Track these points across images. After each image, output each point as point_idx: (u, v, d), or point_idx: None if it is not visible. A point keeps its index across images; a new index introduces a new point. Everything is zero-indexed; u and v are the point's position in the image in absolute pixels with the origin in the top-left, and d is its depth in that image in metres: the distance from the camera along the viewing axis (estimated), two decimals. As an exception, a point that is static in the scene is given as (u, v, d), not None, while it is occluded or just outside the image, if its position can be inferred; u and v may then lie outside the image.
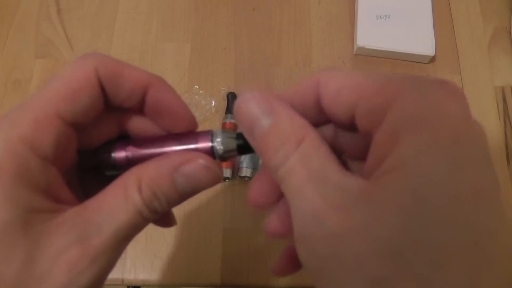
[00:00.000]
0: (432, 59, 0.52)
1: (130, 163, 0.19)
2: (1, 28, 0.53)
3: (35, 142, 0.15)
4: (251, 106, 0.17)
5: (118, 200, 0.17)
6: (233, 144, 0.20)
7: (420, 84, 0.15)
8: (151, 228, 0.46)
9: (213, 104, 0.49)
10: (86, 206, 0.17)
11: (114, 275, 0.42)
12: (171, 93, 0.19)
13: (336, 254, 0.14)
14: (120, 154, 0.20)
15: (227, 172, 0.44)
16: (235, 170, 0.45)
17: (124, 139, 0.21)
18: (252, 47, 0.52)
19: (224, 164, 0.44)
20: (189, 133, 0.20)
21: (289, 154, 0.16)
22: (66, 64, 0.17)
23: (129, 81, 0.18)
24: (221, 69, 0.51)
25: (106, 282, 0.44)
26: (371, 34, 0.51)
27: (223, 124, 0.47)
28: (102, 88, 0.18)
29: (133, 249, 0.43)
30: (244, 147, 0.20)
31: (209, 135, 0.20)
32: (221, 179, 0.19)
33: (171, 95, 0.19)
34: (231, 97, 0.48)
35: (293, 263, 0.21)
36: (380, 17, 0.52)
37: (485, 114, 0.50)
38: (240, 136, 0.20)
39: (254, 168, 0.44)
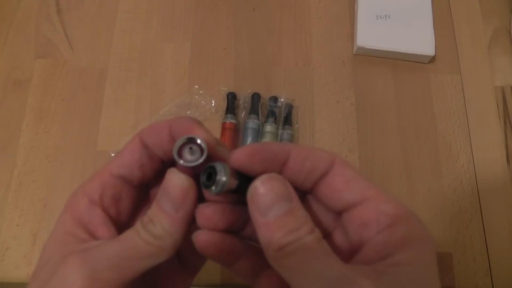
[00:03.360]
0: (432, 59, 0.52)
1: None
2: (1, 28, 0.53)
3: (87, 188, 0.22)
4: (272, 187, 0.19)
5: (128, 235, 0.20)
6: (233, 184, 0.19)
7: (411, 210, 0.20)
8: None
9: (213, 104, 0.49)
10: (108, 245, 0.20)
11: (114, 275, 0.42)
12: (185, 119, 0.21)
13: None
14: None
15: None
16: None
17: None
18: (252, 47, 0.52)
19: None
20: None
21: (304, 236, 0.19)
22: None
23: (156, 127, 0.22)
24: (221, 69, 0.51)
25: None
26: (371, 34, 0.51)
27: (223, 124, 0.47)
28: (149, 149, 0.22)
29: (133, 249, 0.43)
30: (239, 189, 0.20)
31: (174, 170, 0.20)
32: (183, 182, 0.20)
33: (185, 120, 0.21)
34: (231, 97, 0.48)
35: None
36: (380, 17, 0.52)
37: (485, 114, 0.50)
38: (241, 176, 0.20)
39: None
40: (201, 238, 0.21)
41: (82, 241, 0.20)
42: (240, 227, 0.23)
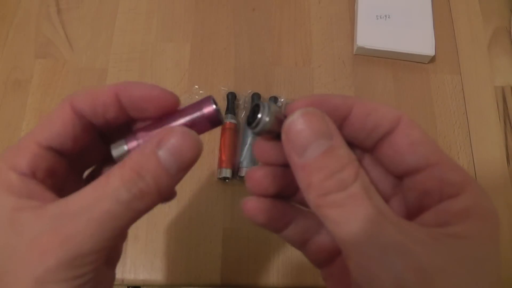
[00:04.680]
0: (432, 59, 0.52)
1: None
2: (1, 28, 0.53)
3: (13, 163, 0.19)
4: (309, 123, 0.17)
5: (97, 190, 0.17)
6: (277, 127, 0.19)
7: (476, 181, 0.19)
8: (151, 228, 0.46)
9: (213, 104, 0.49)
10: (69, 198, 0.18)
11: (114, 275, 0.42)
12: (139, 85, 0.20)
13: (425, 284, 0.16)
14: (132, 144, 0.20)
15: (227, 172, 0.44)
16: (235, 170, 0.45)
17: (135, 129, 0.21)
18: (252, 47, 0.52)
19: (224, 164, 0.44)
20: (193, 104, 0.20)
21: (349, 181, 0.17)
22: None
23: (99, 96, 0.20)
24: (221, 69, 0.51)
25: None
26: (371, 34, 0.51)
27: (223, 124, 0.47)
28: (84, 119, 0.20)
29: (133, 249, 0.43)
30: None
31: (210, 99, 0.20)
32: (201, 146, 0.19)
33: (139, 87, 0.20)
34: (231, 97, 0.48)
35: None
36: (380, 17, 0.52)
37: (485, 114, 0.50)
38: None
39: (254, 168, 0.44)
40: (250, 205, 0.20)
41: (37, 209, 0.18)
42: (292, 192, 0.21)
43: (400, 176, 0.20)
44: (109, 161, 0.23)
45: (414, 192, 0.19)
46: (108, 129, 0.21)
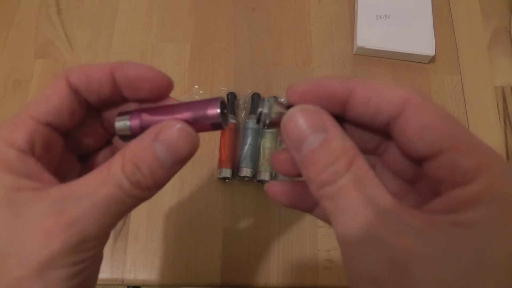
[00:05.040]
0: (432, 59, 0.52)
1: (145, 130, 0.20)
2: (1, 28, 0.53)
3: (10, 138, 0.18)
4: (304, 119, 0.18)
5: (100, 177, 0.18)
6: (280, 115, 0.19)
7: (504, 162, 0.17)
8: (151, 228, 0.46)
9: (213, 104, 0.49)
10: (71, 183, 0.18)
11: (114, 275, 0.42)
12: (135, 65, 0.20)
13: (399, 279, 0.15)
14: (135, 122, 0.21)
15: (227, 172, 0.44)
16: (235, 170, 0.45)
17: (140, 108, 0.21)
18: (252, 47, 0.52)
19: (224, 164, 0.44)
20: (201, 101, 0.20)
21: (340, 173, 0.17)
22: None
23: (94, 73, 0.20)
24: (221, 69, 0.51)
25: (106, 282, 0.43)
26: (371, 34, 0.51)
27: (223, 124, 0.47)
28: (79, 94, 0.20)
29: (133, 249, 0.43)
30: None
31: (217, 101, 0.20)
32: (198, 143, 0.19)
33: (135, 66, 0.20)
34: (231, 97, 0.48)
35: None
36: (380, 17, 0.52)
37: (485, 114, 0.50)
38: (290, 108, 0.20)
39: (254, 168, 0.44)
40: (273, 188, 0.22)
41: (37, 190, 0.17)
42: None
43: (417, 161, 0.19)
44: (106, 145, 0.24)
45: (430, 179, 0.18)
46: (102, 107, 0.21)
